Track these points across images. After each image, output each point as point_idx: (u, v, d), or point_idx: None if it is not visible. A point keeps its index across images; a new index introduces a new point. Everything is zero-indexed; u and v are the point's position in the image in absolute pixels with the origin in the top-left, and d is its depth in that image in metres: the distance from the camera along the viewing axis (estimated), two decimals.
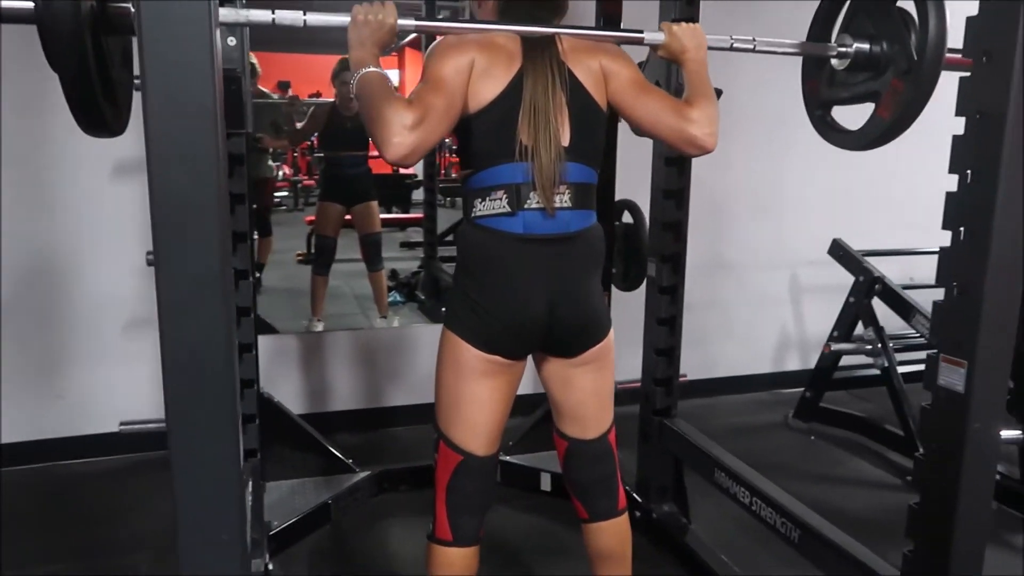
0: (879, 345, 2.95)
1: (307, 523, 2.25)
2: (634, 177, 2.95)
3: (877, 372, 3.32)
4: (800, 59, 1.85)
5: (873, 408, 3.49)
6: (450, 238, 5.62)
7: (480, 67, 1.45)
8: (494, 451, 1.61)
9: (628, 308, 2.52)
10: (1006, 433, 2.65)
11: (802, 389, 3.53)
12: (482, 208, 1.49)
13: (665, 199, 2.27)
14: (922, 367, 3.49)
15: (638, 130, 1.60)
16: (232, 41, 1.84)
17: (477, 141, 1.48)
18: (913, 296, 3.12)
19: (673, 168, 2.26)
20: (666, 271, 2.31)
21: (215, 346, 0.93)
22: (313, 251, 4.31)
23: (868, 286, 3.06)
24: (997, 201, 1.24)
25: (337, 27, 1.39)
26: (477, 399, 1.55)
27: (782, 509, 1.83)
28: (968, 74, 1.29)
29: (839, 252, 3.26)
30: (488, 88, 1.45)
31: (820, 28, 1.82)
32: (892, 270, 3.31)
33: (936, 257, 1.36)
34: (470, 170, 1.51)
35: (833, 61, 1.75)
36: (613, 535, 1.70)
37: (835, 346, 3.02)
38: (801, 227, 3.78)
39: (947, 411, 1.33)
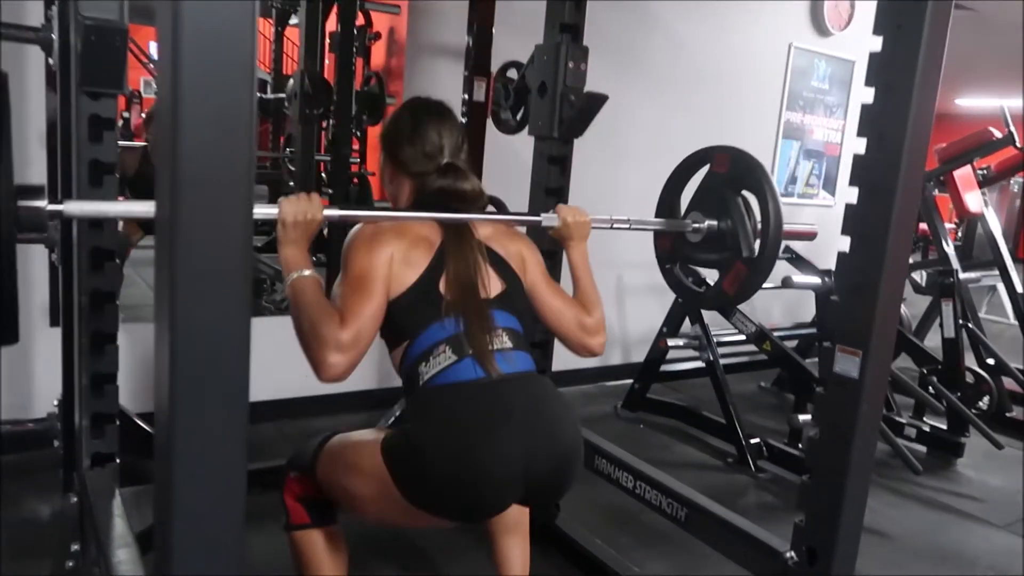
0: (705, 341, 3.25)
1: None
2: (499, 175, 3.00)
3: (697, 365, 3.67)
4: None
5: (687, 398, 3.83)
6: None
7: (399, 257, 1.46)
8: None
9: None
10: (806, 417, 3.04)
11: (624, 382, 3.81)
12: (429, 369, 1.43)
13: (547, 196, 2.34)
14: (737, 360, 3.92)
15: (538, 315, 1.65)
16: None
17: (403, 317, 1.46)
18: None
19: (556, 167, 2.33)
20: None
21: (236, 328, 0.82)
22: None
23: None
24: (893, 212, 1.43)
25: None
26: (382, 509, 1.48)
27: (668, 491, 1.97)
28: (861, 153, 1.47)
29: None
30: (408, 274, 1.46)
31: (670, 192, 2.13)
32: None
33: None
34: (405, 342, 1.46)
35: (687, 233, 2.01)
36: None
37: (671, 341, 3.28)
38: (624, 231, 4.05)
39: (841, 395, 1.52)
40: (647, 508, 2.29)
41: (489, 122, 2.84)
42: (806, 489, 1.59)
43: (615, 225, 1.83)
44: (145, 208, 1.28)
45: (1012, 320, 6.04)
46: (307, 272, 1.38)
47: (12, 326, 1.06)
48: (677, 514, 1.93)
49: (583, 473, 2.29)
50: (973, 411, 3.38)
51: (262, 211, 1.37)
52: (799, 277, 3.03)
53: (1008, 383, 3.81)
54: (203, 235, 0.80)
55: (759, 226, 1.90)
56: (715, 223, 1.95)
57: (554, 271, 2.25)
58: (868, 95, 1.49)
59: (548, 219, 1.71)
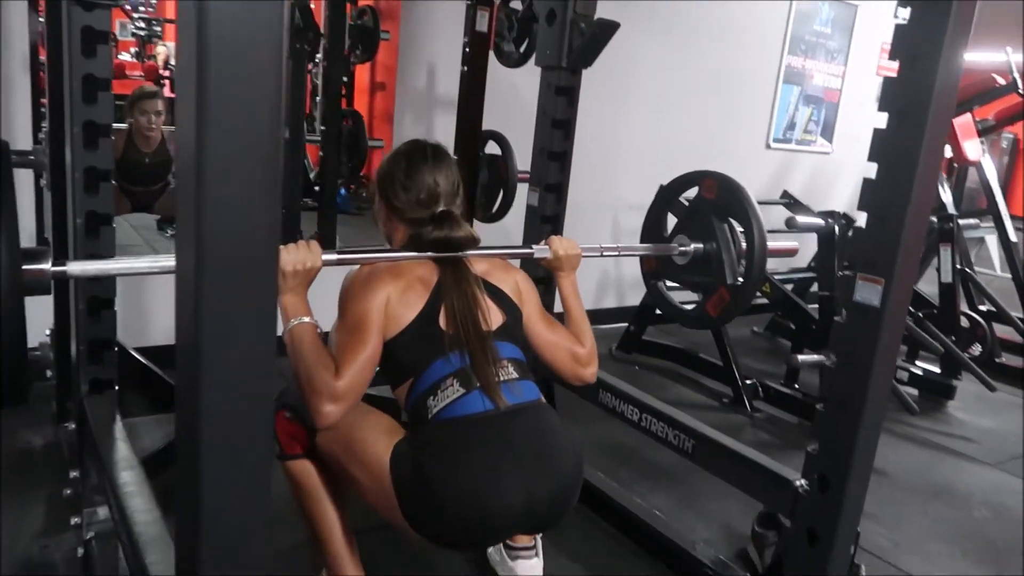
0: None
1: (159, 461, 1.99)
2: (500, 110, 2.93)
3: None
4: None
5: (681, 341, 3.84)
6: None
7: (395, 298, 1.45)
8: None
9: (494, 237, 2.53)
10: (805, 357, 3.04)
11: (619, 325, 3.80)
12: (437, 403, 1.41)
13: (554, 128, 2.28)
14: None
15: (532, 347, 1.65)
16: None
17: (404, 355, 1.45)
18: None
19: (564, 98, 2.27)
20: (550, 200, 2.33)
21: (266, 230, 0.76)
22: None
23: None
24: (924, 137, 1.39)
25: None
26: None
27: (676, 423, 1.96)
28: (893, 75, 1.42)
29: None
30: (406, 314, 1.45)
31: (655, 217, 2.20)
32: None
33: None
34: (410, 379, 1.45)
35: (674, 256, 2.04)
36: None
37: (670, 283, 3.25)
38: (623, 173, 4.01)
39: (862, 324, 1.50)
40: (646, 444, 2.29)
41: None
42: (821, 418, 1.58)
43: (605, 253, 1.90)
44: (147, 264, 1.29)
45: (999, 272, 6.10)
46: (306, 319, 1.41)
47: (22, 386, 1.08)
48: (684, 446, 1.93)
49: (581, 409, 2.30)
50: (966, 355, 3.41)
51: None
52: (802, 218, 3.00)
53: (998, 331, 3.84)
54: (231, 162, 0.73)
55: (744, 247, 1.94)
56: (701, 247, 1.99)
57: (547, 297, 2.23)
58: (903, 15, 1.44)
59: (540, 251, 1.73)
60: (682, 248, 2.01)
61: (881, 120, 1.48)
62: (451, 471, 1.36)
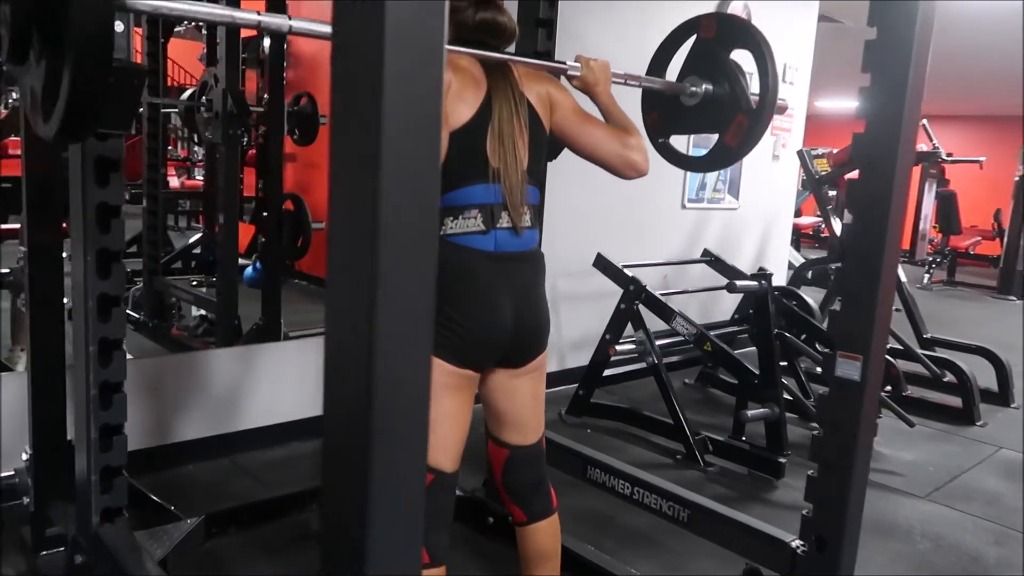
0: (649, 345, 3.42)
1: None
2: None
3: (632, 368, 3.87)
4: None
5: (624, 400, 4.01)
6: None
7: (455, 89, 1.55)
8: (458, 467, 1.67)
9: None
10: (753, 412, 3.24)
11: (562, 388, 3.94)
12: (454, 226, 1.56)
13: None
14: (676, 359, 4.02)
15: (578, 153, 1.77)
16: (120, 27, 1.56)
17: (448, 162, 1.53)
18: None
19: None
20: None
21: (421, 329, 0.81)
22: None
23: (636, 293, 3.53)
24: (887, 232, 1.61)
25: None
26: (450, 416, 1.61)
27: (668, 494, 2.09)
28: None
29: (603, 264, 3.70)
30: (462, 111, 1.55)
31: (657, 67, 2.19)
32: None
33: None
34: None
35: (683, 98, 2.08)
36: (550, 534, 1.84)
37: (618, 347, 3.43)
38: (560, 241, 4.19)
39: (844, 397, 1.69)
40: (622, 509, 2.40)
41: None
42: (814, 482, 1.75)
43: (628, 81, 1.96)
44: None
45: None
46: None
47: None
48: (679, 515, 2.06)
49: (559, 480, 2.40)
50: (883, 394, 3.73)
51: (319, 27, 1.37)
52: (740, 283, 3.26)
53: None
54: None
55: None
56: (710, 86, 2.00)
57: None
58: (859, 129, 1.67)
59: (573, 67, 1.79)
60: (693, 88, 2.02)
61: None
62: (461, 286, 1.55)
